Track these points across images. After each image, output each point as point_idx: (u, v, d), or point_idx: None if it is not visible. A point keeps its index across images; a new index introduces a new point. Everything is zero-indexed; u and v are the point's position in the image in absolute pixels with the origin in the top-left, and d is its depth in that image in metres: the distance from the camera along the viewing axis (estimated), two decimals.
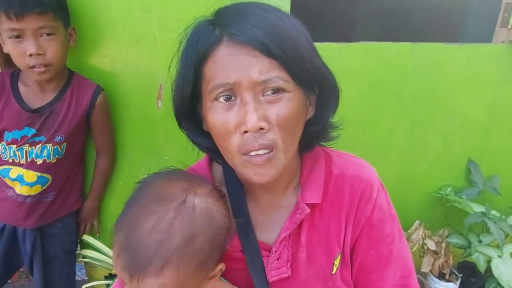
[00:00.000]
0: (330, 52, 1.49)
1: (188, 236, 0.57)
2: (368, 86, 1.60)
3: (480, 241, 1.66)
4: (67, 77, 1.32)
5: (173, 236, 0.56)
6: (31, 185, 1.32)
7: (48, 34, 1.17)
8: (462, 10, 1.95)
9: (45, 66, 1.19)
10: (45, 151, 1.30)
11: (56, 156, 1.32)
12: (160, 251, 0.55)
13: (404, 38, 1.58)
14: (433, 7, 2.00)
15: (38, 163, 1.30)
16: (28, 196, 1.33)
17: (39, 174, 1.32)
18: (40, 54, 1.17)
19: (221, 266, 0.65)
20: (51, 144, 1.30)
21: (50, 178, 1.35)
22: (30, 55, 1.16)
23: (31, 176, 1.31)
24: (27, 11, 1.11)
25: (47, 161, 1.31)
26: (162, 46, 1.40)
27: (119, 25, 1.37)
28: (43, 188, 1.34)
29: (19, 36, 1.15)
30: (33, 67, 1.18)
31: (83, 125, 1.37)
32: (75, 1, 1.31)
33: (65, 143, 1.32)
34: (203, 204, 0.60)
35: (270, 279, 0.71)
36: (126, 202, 0.63)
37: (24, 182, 1.31)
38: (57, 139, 1.30)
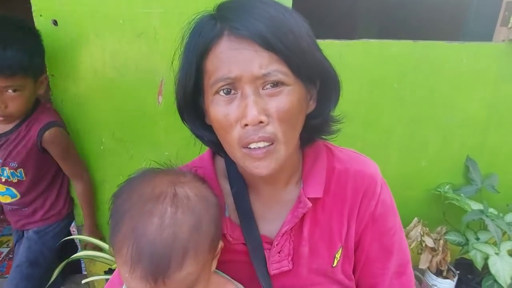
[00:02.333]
0: (331, 50, 1.47)
1: (194, 223, 0.58)
2: (369, 83, 1.61)
3: (478, 239, 1.67)
4: (30, 110, 1.36)
5: (181, 228, 0.57)
6: (2, 194, 1.46)
7: (14, 91, 1.23)
8: (463, 8, 1.96)
9: (4, 116, 1.26)
10: (5, 172, 1.40)
11: (17, 178, 1.42)
12: (175, 244, 0.56)
13: (405, 36, 1.59)
14: (434, 6, 2.00)
15: (2, 179, 1.42)
16: (5, 203, 1.50)
17: (6, 187, 1.44)
18: (1, 107, 1.23)
19: (221, 243, 0.67)
20: (7, 167, 1.39)
21: (18, 195, 1.46)
22: None
23: (0, 187, 1.44)
24: None
25: (9, 180, 1.42)
26: (163, 41, 1.39)
27: (120, 19, 1.36)
28: (13, 200, 1.47)
29: None
30: None
31: (39, 154, 1.40)
32: None
33: (22, 169, 1.40)
34: (194, 191, 0.61)
35: (271, 272, 0.72)
36: (112, 215, 0.62)
37: None
38: (12, 164, 1.38)
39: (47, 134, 1.36)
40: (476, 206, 1.67)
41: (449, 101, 1.68)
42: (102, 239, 1.62)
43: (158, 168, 0.67)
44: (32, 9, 1.30)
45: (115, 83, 1.44)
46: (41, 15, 1.31)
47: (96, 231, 1.62)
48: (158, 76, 1.44)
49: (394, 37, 1.57)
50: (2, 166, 1.39)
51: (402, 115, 1.68)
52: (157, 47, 1.40)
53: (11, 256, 2.40)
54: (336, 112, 0.71)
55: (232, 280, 0.73)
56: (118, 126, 1.50)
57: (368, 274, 0.78)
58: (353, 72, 1.56)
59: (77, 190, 1.52)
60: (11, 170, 1.40)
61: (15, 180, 1.42)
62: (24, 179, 1.42)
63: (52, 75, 1.40)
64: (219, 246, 0.66)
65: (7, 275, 2.18)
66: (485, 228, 1.67)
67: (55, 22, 1.32)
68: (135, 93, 1.46)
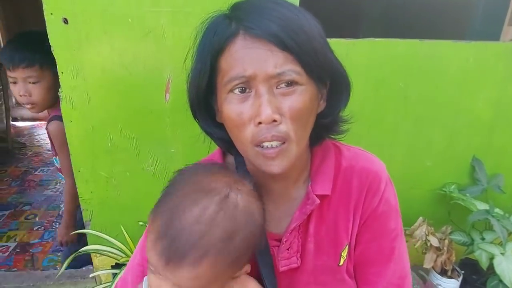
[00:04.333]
0: (337, 48, 1.46)
1: (229, 232, 0.57)
2: (375, 82, 1.61)
3: (483, 239, 1.66)
4: (54, 101, 1.61)
5: (214, 230, 0.56)
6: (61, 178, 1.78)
7: (34, 82, 1.53)
8: (470, 8, 1.95)
9: (31, 104, 1.57)
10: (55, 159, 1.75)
11: (57, 165, 1.74)
12: (201, 242, 0.56)
13: (411, 35, 1.59)
14: (440, 5, 1.99)
15: (57, 166, 1.77)
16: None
17: (58, 172, 1.78)
18: (26, 96, 1.54)
19: (247, 267, 0.65)
20: (52, 155, 1.75)
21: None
22: (20, 95, 1.55)
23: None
24: (16, 65, 1.50)
25: (56, 165, 1.76)
26: (171, 40, 1.41)
27: (129, 18, 1.38)
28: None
29: (15, 82, 1.55)
30: (24, 104, 1.58)
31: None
32: None
33: (56, 157, 1.70)
34: (245, 202, 0.60)
35: (280, 269, 0.73)
36: (164, 189, 0.63)
37: None
38: (53, 152, 1.71)
39: (49, 126, 1.62)
40: (481, 206, 1.66)
41: (455, 100, 1.67)
42: (73, 240, 1.77)
43: (225, 167, 0.68)
44: (43, 8, 1.32)
45: (123, 81, 1.45)
46: (51, 14, 1.33)
47: (70, 229, 1.73)
48: (165, 74, 1.46)
49: (400, 36, 1.57)
50: (53, 155, 1.75)
51: (408, 114, 1.68)
52: (165, 45, 1.42)
53: (18, 250, 2.44)
54: (345, 110, 0.72)
55: (250, 276, 0.72)
56: (126, 123, 1.52)
57: (362, 278, 0.77)
58: (359, 71, 1.56)
59: (65, 186, 1.69)
60: (54, 157, 1.71)
61: (59, 166, 1.72)
62: (59, 166, 1.69)
63: (62, 73, 1.42)
64: (244, 269, 0.64)
65: (15, 268, 2.23)
66: (490, 228, 1.67)
67: (65, 21, 1.34)
68: (142, 90, 1.48)
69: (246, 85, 0.60)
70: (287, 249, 0.73)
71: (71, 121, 1.49)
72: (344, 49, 1.53)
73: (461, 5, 1.97)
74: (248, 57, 0.58)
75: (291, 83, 0.59)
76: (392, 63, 1.59)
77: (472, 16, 1.94)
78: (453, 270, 1.75)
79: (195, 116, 0.71)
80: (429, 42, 1.58)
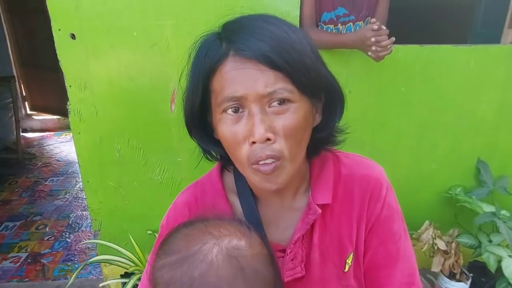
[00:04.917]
0: (339, 56, 1.51)
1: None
2: (377, 87, 1.62)
3: (490, 241, 1.66)
4: None
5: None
6: None
7: None
8: (470, 11, 1.96)
9: None
10: None
11: None
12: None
13: (411, 40, 1.60)
14: (441, 9, 2.00)
15: None
16: None
17: None
18: None
19: None
20: None
21: None
22: None
23: None
24: None
25: None
26: (175, 51, 1.44)
27: (134, 31, 1.42)
28: None
29: None
30: None
31: None
32: (94, 10, 1.37)
33: None
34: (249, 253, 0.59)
35: (285, 279, 0.73)
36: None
37: None
38: None
39: None
40: (488, 208, 1.66)
41: (458, 103, 1.68)
42: None
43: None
44: (51, 24, 1.36)
45: (130, 92, 1.49)
46: (59, 30, 1.37)
47: None
48: (170, 85, 1.49)
49: (401, 42, 1.59)
50: None
51: (411, 118, 1.69)
52: (169, 57, 1.45)
53: (30, 260, 2.47)
54: (344, 119, 0.72)
55: None
56: (133, 134, 1.55)
57: (374, 282, 0.78)
58: (361, 77, 1.57)
59: None
60: None
61: None
62: None
63: (70, 86, 1.46)
64: None
65: (27, 279, 2.25)
66: (497, 230, 1.66)
67: (73, 36, 1.39)
68: (149, 101, 1.51)
69: (238, 105, 0.61)
70: (292, 260, 0.73)
71: (79, 133, 1.52)
72: (345, 56, 1.54)
73: (461, 9, 1.98)
74: (239, 77, 0.59)
75: (283, 101, 0.60)
76: (394, 68, 1.59)
77: (472, 20, 1.95)
78: (462, 273, 1.74)
79: (191, 134, 0.72)
80: (430, 46, 1.59)
